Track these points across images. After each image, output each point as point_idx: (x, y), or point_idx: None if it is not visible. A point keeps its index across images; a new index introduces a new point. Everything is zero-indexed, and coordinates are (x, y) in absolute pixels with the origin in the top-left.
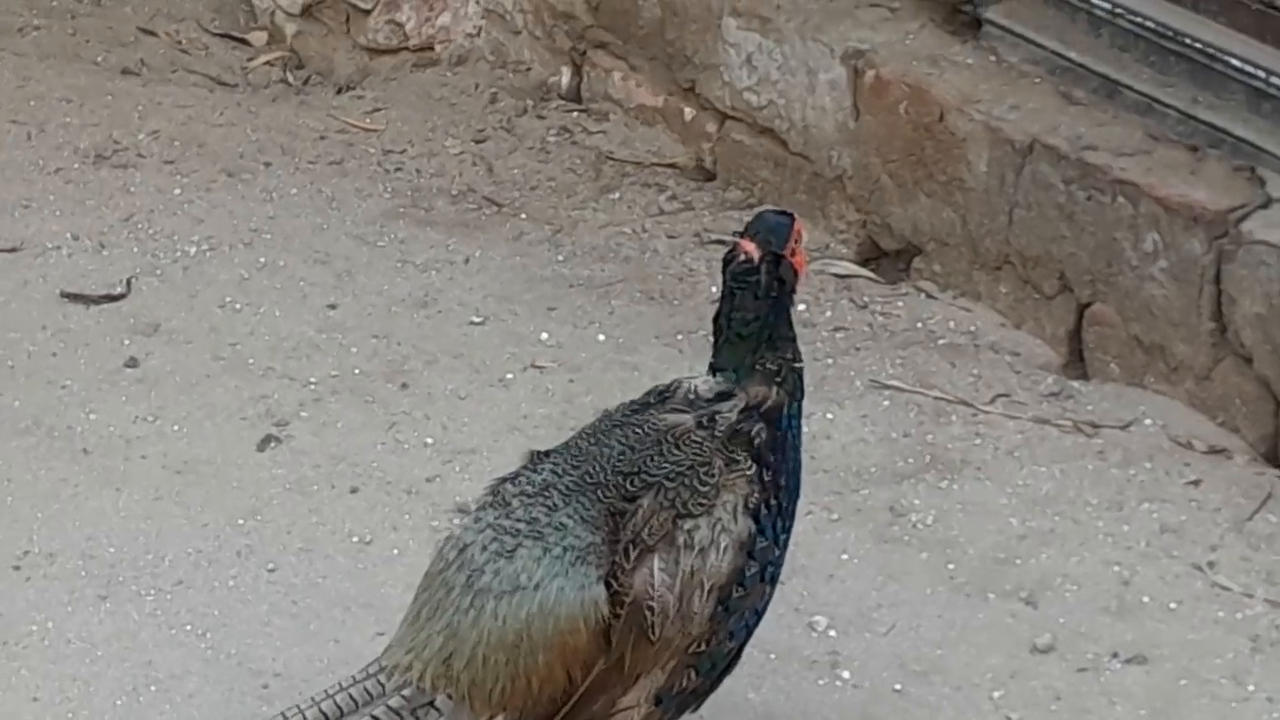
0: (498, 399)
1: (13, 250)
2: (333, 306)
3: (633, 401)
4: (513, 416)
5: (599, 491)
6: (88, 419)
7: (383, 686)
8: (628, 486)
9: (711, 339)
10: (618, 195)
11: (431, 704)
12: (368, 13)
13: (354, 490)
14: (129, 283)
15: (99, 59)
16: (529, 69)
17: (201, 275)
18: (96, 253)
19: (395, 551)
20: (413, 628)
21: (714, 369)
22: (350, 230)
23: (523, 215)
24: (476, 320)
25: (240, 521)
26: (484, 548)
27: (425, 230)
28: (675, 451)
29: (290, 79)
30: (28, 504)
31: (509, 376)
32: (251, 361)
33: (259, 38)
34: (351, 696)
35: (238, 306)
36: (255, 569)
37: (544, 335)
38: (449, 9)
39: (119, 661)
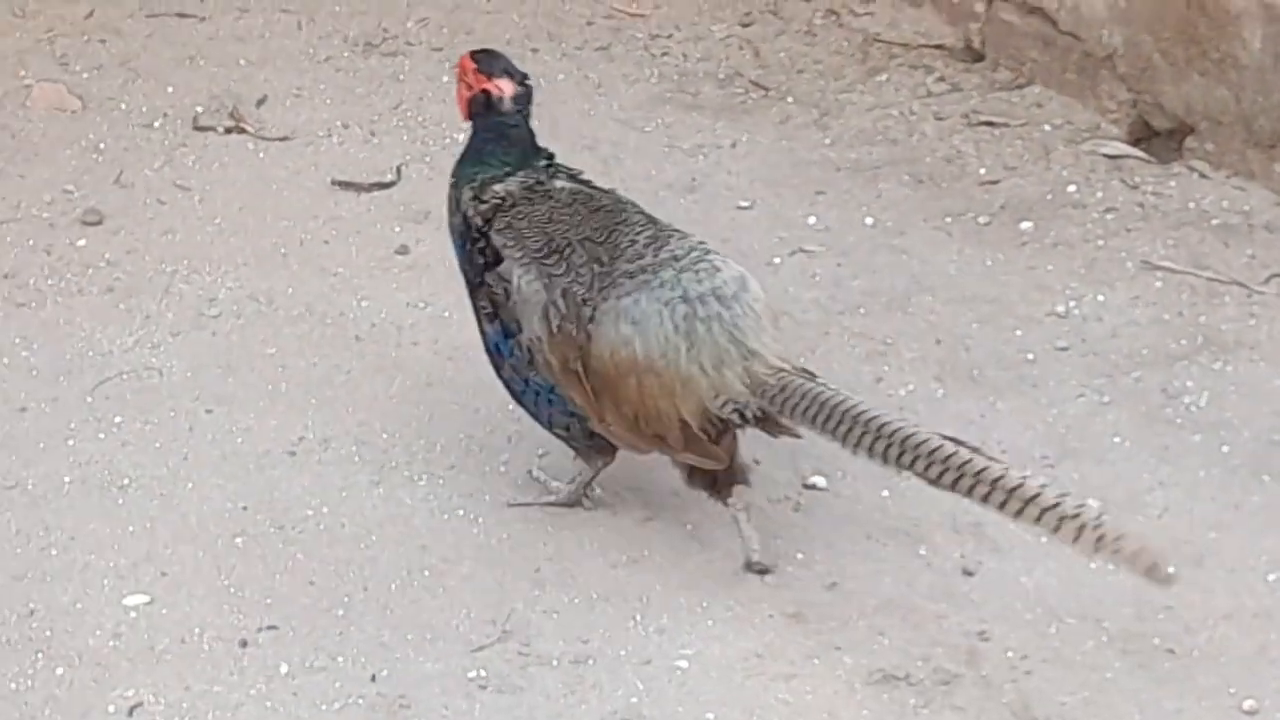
0: (765, 283)
1: (284, 139)
2: None
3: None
4: (780, 300)
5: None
6: (360, 306)
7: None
8: None
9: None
10: (885, 77)
11: None
12: None
13: None
14: (399, 170)
15: None
16: None
17: None
18: (367, 140)
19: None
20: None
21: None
22: (617, 115)
23: (789, 98)
24: (744, 205)
25: (511, 407)
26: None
27: (692, 115)
28: None
29: None
30: (302, 390)
31: (776, 260)
32: None
33: None
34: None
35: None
36: (526, 454)
37: (811, 219)
38: None
39: (393, 546)
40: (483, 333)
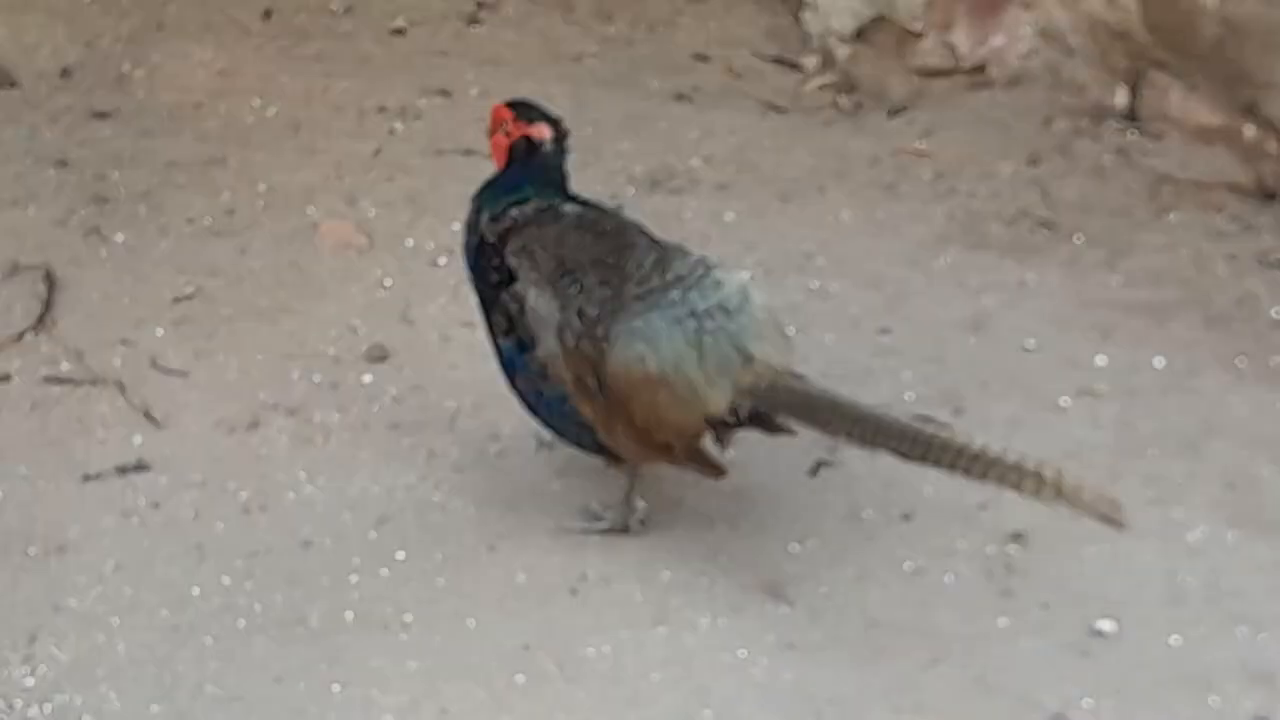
0: (1052, 424)
1: None
2: (885, 331)
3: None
4: (1068, 443)
5: None
6: None
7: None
8: None
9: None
10: (1175, 217)
11: None
12: (920, 35)
13: (906, 517)
14: None
15: (653, 85)
16: (1084, 89)
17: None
18: None
19: (948, 579)
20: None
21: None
22: (903, 254)
23: (1078, 238)
24: (1030, 345)
25: (793, 547)
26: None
27: (978, 254)
28: None
29: (842, 102)
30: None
31: (1063, 402)
32: None
33: (812, 62)
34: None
35: (790, 331)
36: (809, 595)
37: (1099, 360)
38: (1003, 30)
39: (673, 687)
40: (496, 348)
